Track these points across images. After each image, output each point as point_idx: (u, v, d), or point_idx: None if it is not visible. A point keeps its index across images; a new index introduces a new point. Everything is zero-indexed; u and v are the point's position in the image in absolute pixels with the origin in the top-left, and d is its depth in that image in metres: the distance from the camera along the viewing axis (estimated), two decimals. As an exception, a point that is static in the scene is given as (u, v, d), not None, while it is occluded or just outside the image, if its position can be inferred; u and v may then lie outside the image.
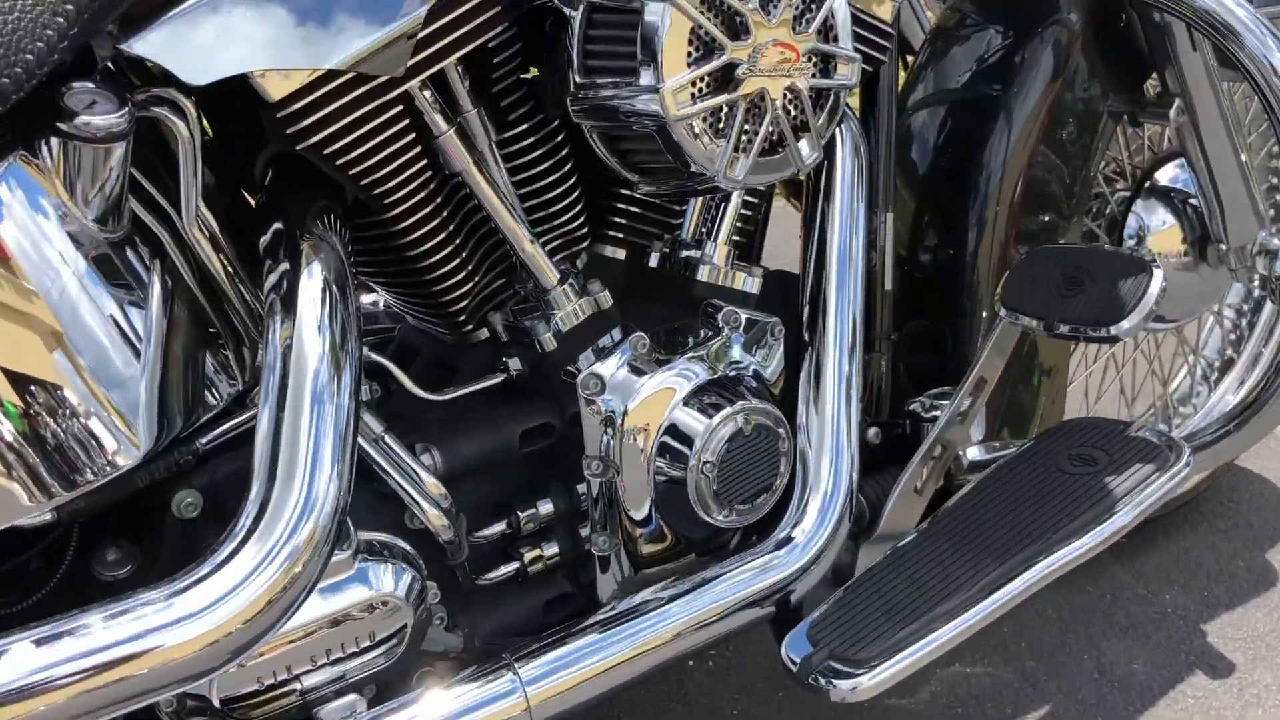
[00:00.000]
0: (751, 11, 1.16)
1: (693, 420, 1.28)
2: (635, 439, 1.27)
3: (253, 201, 1.27)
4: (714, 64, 1.15)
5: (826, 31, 1.22)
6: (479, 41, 1.19)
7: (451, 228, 1.27)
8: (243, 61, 1.07)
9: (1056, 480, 1.31)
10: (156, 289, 1.12)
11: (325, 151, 1.15)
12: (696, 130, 1.16)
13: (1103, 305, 1.31)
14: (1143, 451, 1.32)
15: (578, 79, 1.19)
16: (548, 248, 1.33)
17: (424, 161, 1.22)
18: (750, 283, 1.42)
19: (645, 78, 1.14)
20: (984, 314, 1.73)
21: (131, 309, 1.09)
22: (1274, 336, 2.03)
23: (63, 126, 0.99)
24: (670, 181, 1.25)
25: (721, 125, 1.18)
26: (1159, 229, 1.90)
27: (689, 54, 1.14)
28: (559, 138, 1.29)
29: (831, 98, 1.24)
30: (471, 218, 1.29)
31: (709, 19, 1.15)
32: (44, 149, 1.01)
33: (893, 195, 1.55)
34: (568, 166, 1.31)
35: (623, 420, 1.27)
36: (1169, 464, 1.30)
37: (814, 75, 1.21)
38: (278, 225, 1.19)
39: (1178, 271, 1.90)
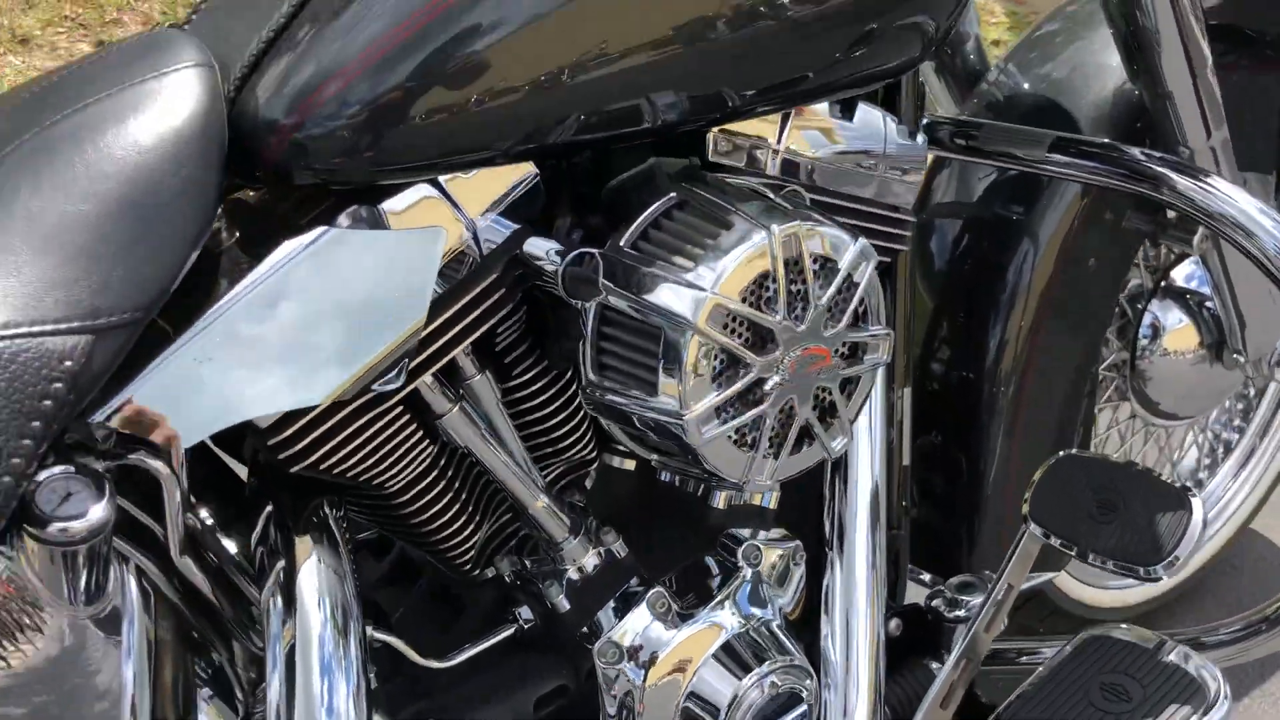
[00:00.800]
0: (780, 326, 1.06)
1: (719, 685, 1.23)
2: (657, 706, 1.22)
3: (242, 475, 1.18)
4: (741, 384, 1.05)
5: (858, 313, 1.12)
6: (486, 327, 1.09)
7: (455, 488, 1.19)
8: (227, 415, 0.97)
9: (1089, 718, 1.27)
10: (140, 628, 1.03)
11: (321, 468, 1.06)
12: (720, 444, 1.07)
13: (1138, 540, 1.24)
14: (1177, 686, 1.28)
15: (590, 375, 1.09)
16: (553, 474, 1.25)
17: (425, 442, 1.13)
18: (768, 497, 1.35)
19: (666, 400, 1.04)
20: (1001, 429, 1.67)
21: (116, 661, 1.01)
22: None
23: (34, 532, 0.88)
24: (691, 474, 1.16)
25: (746, 432, 1.09)
26: (1174, 327, 1.83)
27: (713, 369, 1.04)
28: (568, 375, 1.20)
29: (862, 379, 1.14)
30: (472, 471, 1.20)
31: (734, 340, 1.04)
32: (17, 549, 0.91)
33: (912, 371, 1.47)
34: (577, 402, 1.22)
35: (643, 683, 1.21)
36: (1205, 706, 1.25)
37: (843, 365, 1.12)
38: (268, 509, 1.12)
39: (1192, 367, 1.85)
